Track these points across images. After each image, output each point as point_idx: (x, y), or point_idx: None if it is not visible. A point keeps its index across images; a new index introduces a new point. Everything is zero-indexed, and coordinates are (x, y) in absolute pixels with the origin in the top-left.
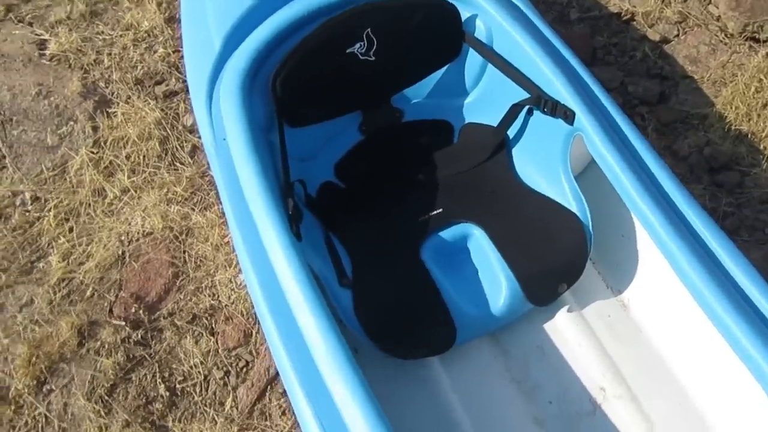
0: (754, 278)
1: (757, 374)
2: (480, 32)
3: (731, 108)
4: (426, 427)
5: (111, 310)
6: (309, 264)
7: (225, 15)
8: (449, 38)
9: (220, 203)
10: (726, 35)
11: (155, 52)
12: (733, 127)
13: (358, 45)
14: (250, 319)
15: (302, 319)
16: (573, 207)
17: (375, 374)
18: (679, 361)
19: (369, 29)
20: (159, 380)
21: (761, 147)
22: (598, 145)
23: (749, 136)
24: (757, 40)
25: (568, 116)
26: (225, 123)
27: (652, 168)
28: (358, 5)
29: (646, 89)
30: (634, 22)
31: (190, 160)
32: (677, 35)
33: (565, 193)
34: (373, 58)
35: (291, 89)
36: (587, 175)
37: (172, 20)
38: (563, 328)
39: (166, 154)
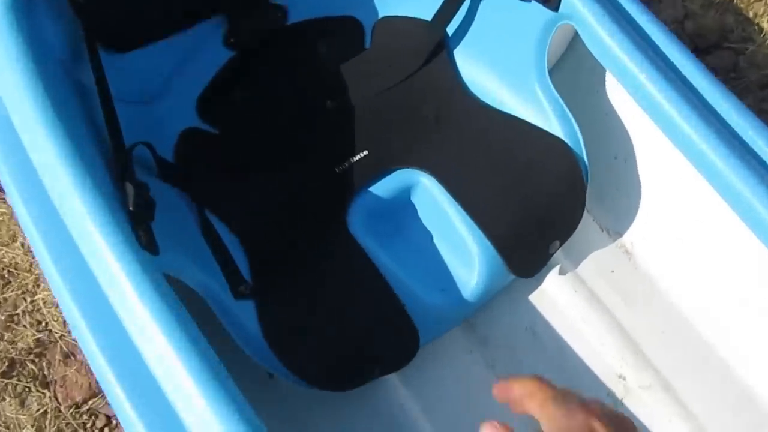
0: None
1: None
2: None
3: None
4: None
5: None
6: (176, 278)
7: None
8: None
9: None
10: None
11: None
12: None
13: None
14: None
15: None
16: (557, 130)
17: (302, 406)
18: (712, 323)
19: None
20: None
21: (750, 15)
22: (605, 41)
23: (735, 1)
24: None
25: None
26: None
27: (675, 61)
28: None
29: None
30: None
31: None
32: None
33: (544, 111)
34: None
35: None
36: (555, 75)
37: None
38: (555, 297)
39: None
